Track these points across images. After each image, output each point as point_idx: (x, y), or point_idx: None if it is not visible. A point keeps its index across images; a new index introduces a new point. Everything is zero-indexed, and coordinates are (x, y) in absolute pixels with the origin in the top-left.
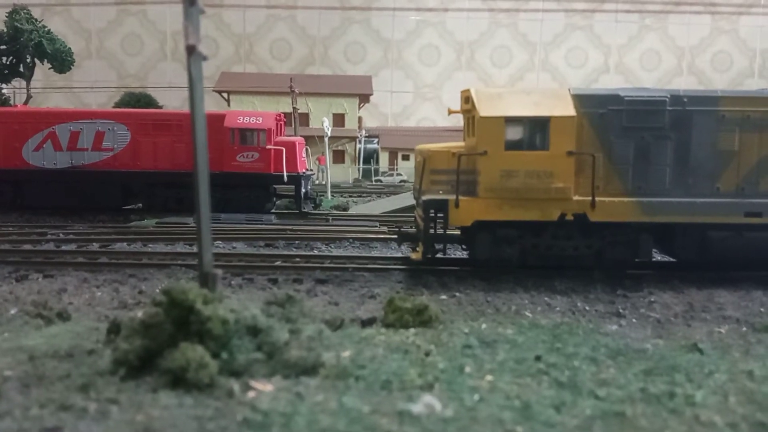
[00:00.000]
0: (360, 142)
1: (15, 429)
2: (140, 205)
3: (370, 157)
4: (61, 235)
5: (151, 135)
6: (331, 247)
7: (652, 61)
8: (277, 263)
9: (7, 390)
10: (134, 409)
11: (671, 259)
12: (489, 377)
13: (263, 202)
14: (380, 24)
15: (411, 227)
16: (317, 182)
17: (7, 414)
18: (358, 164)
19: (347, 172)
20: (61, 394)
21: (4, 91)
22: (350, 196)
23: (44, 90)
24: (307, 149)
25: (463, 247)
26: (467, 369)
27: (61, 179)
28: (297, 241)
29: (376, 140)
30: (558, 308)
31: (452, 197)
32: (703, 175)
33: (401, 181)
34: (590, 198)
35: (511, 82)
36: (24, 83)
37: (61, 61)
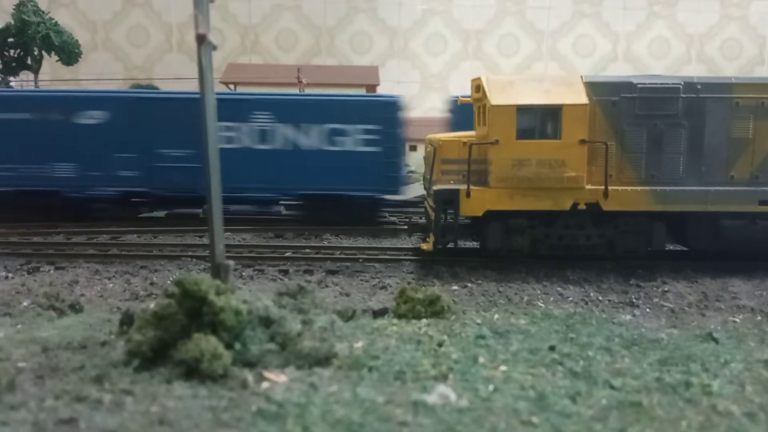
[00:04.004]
0: None
1: (30, 420)
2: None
3: None
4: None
5: None
6: (341, 237)
7: (661, 48)
8: (288, 254)
9: (22, 381)
10: (149, 400)
11: (684, 248)
12: (503, 368)
13: None
14: (386, 13)
15: (421, 218)
16: None
17: (23, 405)
18: None
19: None
20: (75, 385)
21: (12, 84)
22: None
23: (52, 82)
24: None
25: (475, 237)
26: (481, 359)
27: None
28: (306, 232)
29: None
30: (571, 298)
31: (463, 187)
32: (716, 163)
33: (409, 172)
34: (603, 187)
35: (519, 71)
36: (32, 76)
37: (69, 54)
